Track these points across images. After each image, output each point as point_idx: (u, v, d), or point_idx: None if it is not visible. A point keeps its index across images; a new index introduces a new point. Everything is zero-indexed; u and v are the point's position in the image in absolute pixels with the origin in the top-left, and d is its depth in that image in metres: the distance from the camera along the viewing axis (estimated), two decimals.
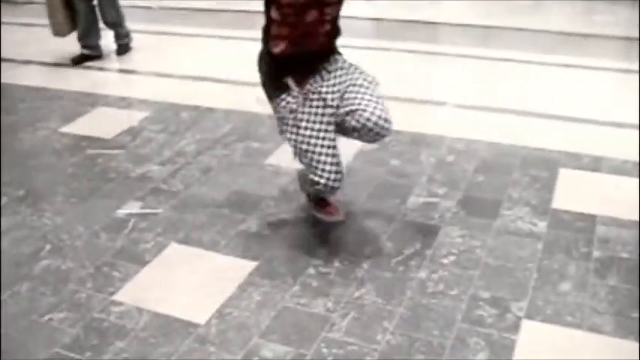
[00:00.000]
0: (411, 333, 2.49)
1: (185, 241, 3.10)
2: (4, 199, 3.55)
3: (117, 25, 5.62)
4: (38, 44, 6.11)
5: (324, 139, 2.81)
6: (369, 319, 2.56)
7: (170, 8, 7.18)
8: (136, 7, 6.95)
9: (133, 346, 2.51)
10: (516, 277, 2.75)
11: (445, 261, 2.86)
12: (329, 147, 2.81)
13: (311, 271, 2.84)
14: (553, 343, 2.43)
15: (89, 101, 4.79)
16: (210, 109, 4.48)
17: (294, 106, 2.84)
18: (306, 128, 2.82)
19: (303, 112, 2.83)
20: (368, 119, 2.80)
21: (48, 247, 3.13)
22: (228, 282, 2.79)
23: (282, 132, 2.93)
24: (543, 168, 3.53)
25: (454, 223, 3.11)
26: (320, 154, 2.80)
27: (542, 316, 2.53)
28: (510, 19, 6.12)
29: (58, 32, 5.49)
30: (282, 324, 2.56)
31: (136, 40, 5.86)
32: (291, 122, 2.85)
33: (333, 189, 2.85)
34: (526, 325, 2.50)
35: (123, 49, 5.76)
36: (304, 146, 2.82)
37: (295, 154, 2.88)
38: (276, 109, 2.92)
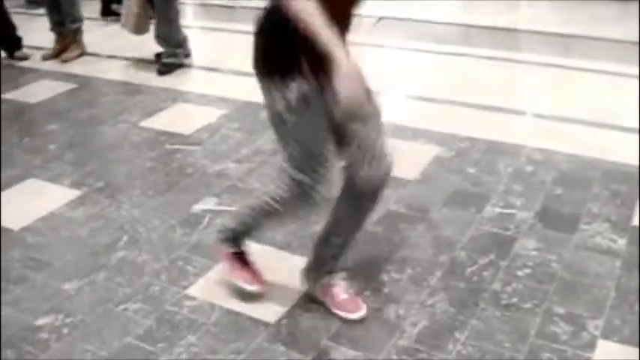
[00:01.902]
0: (482, 344, 2.45)
1: (258, 239, 3.10)
2: (82, 190, 3.64)
3: (166, 40, 5.42)
4: (121, 39, 6.23)
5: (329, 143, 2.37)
6: (440, 328, 2.53)
7: (251, 8, 7.24)
8: (217, 5, 7.05)
9: (204, 340, 2.54)
10: (593, 294, 2.68)
11: (520, 273, 2.81)
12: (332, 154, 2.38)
13: (383, 276, 2.82)
14: None
15: (169, 97, 4.87)
16: None
17: (307, 95, 2.27)
18: (316, 127, 2.33)
19: (315, 106, 2.30)
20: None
21: (125, 238, 3.19)
22: (300, 282, 2.79)
23: (279, 123, 2.39)
24: (624, 183, 3.43)
25: (530, 235, 3.05)
26: (326, 160, 2.36)
27: (618, 336, 2.47)
28: (592, 27, 5.98)
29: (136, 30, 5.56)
30: (352, 328, 2.55)
31: (215, 38, 5.92)
32: (294, 117, 2.31)
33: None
34: (602, 344, 2.44)
35: (165, 68, 5.40)
36: (312, 148, 2.34)
37: (292, 158, 2.39)
38: (278, 95, 2.35)
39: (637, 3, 6.14)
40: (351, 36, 2.29)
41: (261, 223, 2.65)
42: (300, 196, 2.39)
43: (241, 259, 2.75)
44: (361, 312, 2.61)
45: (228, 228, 2.70)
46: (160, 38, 5.40)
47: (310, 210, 2.50)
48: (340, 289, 2.65)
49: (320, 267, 2.67)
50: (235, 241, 2.71)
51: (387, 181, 2.45)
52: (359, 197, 2.46)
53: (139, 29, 5.52)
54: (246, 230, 2.66)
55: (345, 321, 2.58)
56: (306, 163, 2.35)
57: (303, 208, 2.47)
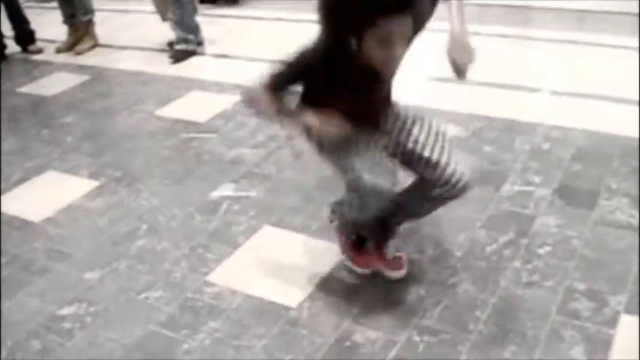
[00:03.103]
0: (504, 323, 2.45)
1: (278, 224, 3.12)
2: (101, 181, 3.66)
3: (178, 23, 5.40)
4: (134, 30, 6.26)
5: None
6: (461, 308, 2.53)
7: None
8: None
9: (226, 326, 2.55)
10: (614, 269, 2.67)
11: (540, 251, 2.80)
12: None
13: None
14: None
15: (184, 85, 4.87)
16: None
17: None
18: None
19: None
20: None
21: (144, 227, 3.21)
22: (321, 266, 2.80)
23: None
24: None
25: (550, 212, 3.04)
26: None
27: None
28: (607, 1, 5.92)
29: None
30: (373, 309, 2.56)
31: (230, 25, 5.92)
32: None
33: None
34: (625, 319, 2.42)
35: (178, 55, 5.44)
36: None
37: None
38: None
39: None
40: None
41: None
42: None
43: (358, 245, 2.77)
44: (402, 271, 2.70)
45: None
46: (172, 21, 5.39)
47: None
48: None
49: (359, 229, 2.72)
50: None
51: (464, 194, 2.49)
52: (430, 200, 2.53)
53: (163, 15, 5.52)
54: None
55: (366, 303, 2.59)
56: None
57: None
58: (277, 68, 2.34)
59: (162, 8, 5.46)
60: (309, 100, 2.36)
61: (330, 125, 2.23)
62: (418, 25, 2.29)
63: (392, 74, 2.41)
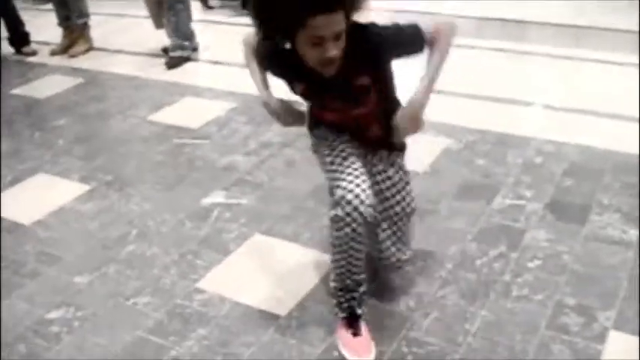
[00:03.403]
0: (493, 336, 2.44)
1: (268, 232, 3.12)
2: (92, 184, 3.65)
3: (174, 31, 5.40)
4: (129, 34, 6.25)
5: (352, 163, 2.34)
6: (450, 320, 2.53)
7: None
8: None
9: (215, 333, 2.54)
10: (605, 285, 2.67)
11: (530, 265, 2.80)
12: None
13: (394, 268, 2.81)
14: None
15: (177, 91, 4.87)
16: (294, 103, 4.47)
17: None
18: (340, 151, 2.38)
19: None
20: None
21: (134, 232, 3.20)
22: (311, 275, 2.80)
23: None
24: (635, 174, 3.41)
25: (541, 226, 3.04)
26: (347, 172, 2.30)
27: (630, 328, 2.45)
28: (604, 18, 5.94)
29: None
30: (362, 321, 2.55)
31: (222, 32, 5.92)
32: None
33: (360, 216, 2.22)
34: (613, 335, 2.42)
35: (173, 61, 5.40)
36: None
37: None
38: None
39: None
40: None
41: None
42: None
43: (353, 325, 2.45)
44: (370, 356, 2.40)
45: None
46: (168, 29, 5.39)
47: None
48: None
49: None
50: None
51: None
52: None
53: (157, 22, 5.52)
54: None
55: None
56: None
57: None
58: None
59: (155, 15, 5.46)
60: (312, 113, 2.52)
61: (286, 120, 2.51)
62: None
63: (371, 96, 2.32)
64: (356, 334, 2.41)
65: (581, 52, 5.10)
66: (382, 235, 2.54)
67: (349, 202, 2.19)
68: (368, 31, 2.18)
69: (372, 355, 2.39)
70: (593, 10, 6.06)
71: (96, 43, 5.97)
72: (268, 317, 2.59)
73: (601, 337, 2.42)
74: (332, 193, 2.31)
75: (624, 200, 3.20)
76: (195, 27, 5.58)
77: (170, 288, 2.80)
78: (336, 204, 2.22)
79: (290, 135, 4.02)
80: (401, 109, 2.30)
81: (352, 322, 2.43)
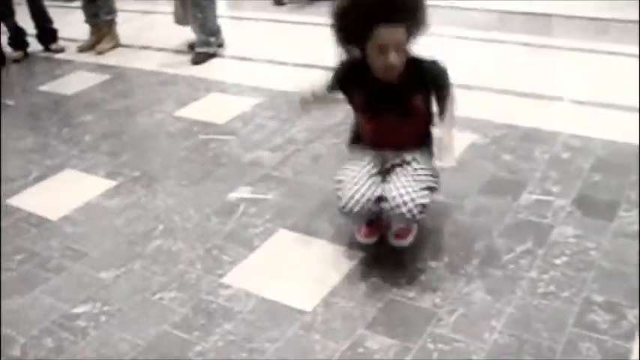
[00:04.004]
0: (519, 333, 2.42)
1: (294, 227, 3.11)
2: (119, 180, 3.67)
3: (200, 27, 5.43)
4: (155, 31, 6.28)
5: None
6: (476, 317, 2.51)
7: None
8: None
9: (240, 329, 2.54)
10: (633, 282, 2.63)
11: (557, 261, 2.77)
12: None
13: (419, 264, 2.80)
14: None
15: (203, 86, 4.88)
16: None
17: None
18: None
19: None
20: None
21: (160, 227, 3.21)
22: (336, 271, 2.79)
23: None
24: None
25: (568, 222, 3.01)
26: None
27: None
28: (629, 11, 5.87)
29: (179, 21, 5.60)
30: (388, 316, 2.54)
31: (248, 28, 5.93)
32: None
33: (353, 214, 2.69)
34: None
35: (199, 57, 5.44)
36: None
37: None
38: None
39: None
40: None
41: None
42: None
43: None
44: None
45: None
46: (194, 25, 5.41)
47: None
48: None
49: None
50: None
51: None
52: None
53: (179, 19, 5.56)
54: None
55: (381, 309, 2.57)
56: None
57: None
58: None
59: (178, 10, 5.49)
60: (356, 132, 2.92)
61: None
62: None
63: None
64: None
65: (608, 46, 5.04)
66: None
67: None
68: (431, 62, 2.66)
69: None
70: (618, 3, 5.99)
71: (123, 40, 6.01)
72: (293, 313, 2.59)
73: (630, 335, 2.39)
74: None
75: None
76: (221, 23, 5.59)
77: (195, 283, 2.81)
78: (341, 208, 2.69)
79: (315, 130, 4.03)
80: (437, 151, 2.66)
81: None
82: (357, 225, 2.93)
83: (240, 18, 6.49)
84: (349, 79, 2.74)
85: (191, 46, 5.59)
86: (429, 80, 2.67)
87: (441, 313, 2.53)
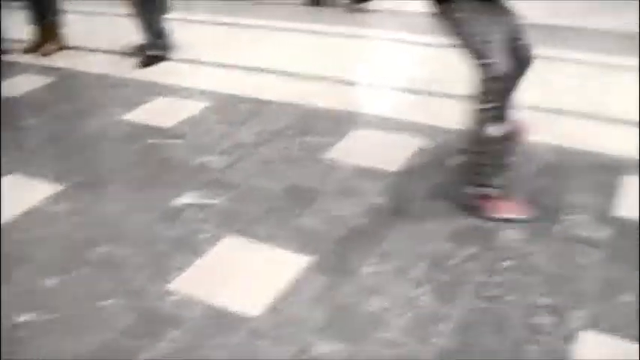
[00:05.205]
0: (466, 337, 2.44)
1: (241, 232, 3.10)
2: (63, 185, 3.60)
3: (146, 30, 5.39)
4: (102, 33, 6.20)
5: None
6: (424, 321, 2.53)
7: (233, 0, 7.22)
8: None
9: (186, 336, 2.51)
10: (576, 285, 2.68)
11: (503, 265, 2.81)
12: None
13: (367, 269, 2.81)
14: (612, 355, 2.36)
15: (152, 90, 4.83)
16: (269, 102, 4.48)
17: None
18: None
19: None
20: None
21: (106, 233, 3.17)
22: (284, 276, 2.78)
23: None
24: (607, 174, 3.43)
25: (513, 226, 3.05)
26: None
27: (602, 327, 2.46)
28: (579, 18, 5.98)
29: None
30: (335, 321, 2.54)
31: (199, 32, 5.90)
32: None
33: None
34: (585, 335, 2.43)
35: (147, 60, 5.39)
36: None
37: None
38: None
39: None
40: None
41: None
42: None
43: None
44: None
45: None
46: (143, 28, 5.35)
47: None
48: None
49: None
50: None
51: None
52: None
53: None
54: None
55: (329, 314, 2.57)
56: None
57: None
58: None
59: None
60: None
61: None
62: None
63: None
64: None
65: (555, 52, 5.12)
66: None
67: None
68: None
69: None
70: (568, 10, 6.10)
71: (69, 42, 5.92)
72: (240, 319, 2.58)
73: (573, 337, 2.43)
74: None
75: (595, 200, 3.21)
76: (172, 26, 5.55)
77: (141, 290, 2.77)
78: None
79: (264, 134, 4.02)
80: None
81: None
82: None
83: (191, 21, 6.44)
84: None
85: (140, 49, 5.53)
86: None
87: (388, 318, 2.54)
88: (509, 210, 3.09)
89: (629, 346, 2.38)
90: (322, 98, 4.46)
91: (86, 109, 4.62)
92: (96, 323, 2.60)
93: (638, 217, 3.06)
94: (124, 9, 5.44)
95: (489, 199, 3.09)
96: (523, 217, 3.07)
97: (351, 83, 4.59)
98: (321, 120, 4.16)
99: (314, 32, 5.95)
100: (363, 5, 6.75)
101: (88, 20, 6.57)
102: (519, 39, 3.11)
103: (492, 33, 2.88)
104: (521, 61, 3.09)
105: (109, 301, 2.72)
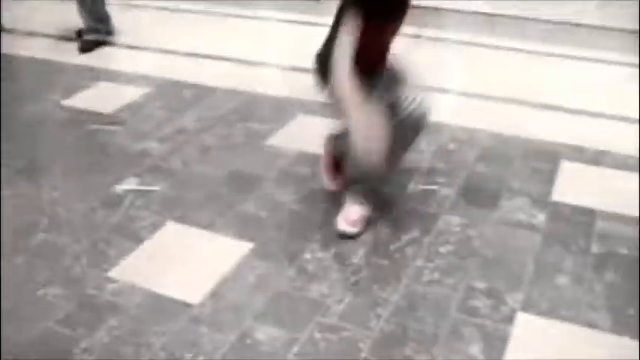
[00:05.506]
0: (405, 321, 2.48)
1: (182, 219, 3.08)
2: (2, 171, 3.53)
3: (87, 13, 5.30)
4: (43, 16, 6.07)
5: None
6: (363, 306, 2.55)
7: None
8: None
9: (126, 323, 2.50)
10: (513, 268, 2.74)
11: (442, 250, 2.85)
12: None
13: (307, 255, 2.82)
14: (548, 336, 2.42)
15: (91, 75, 4.76)
16: (212, 88, 4.45)
17: None
18: None
19: None
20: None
21: (45, 220, 3.12)
22: (224, 263, 2.78)
23: None
24: (545, 160, 3.50)
25: (453, 212, 3.09)
26: None
27: (537, 309, 2.52)
28: (518, 7, 6.05)
29: None
30: (276, 307, 2.55)
31: (141, 16, 5.82)
32: None
33: None
34: (521, 317, 2.49)
35: (87, 45, 5.30)
36: None
37: None
38: None
39: None
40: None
41: None
42: None
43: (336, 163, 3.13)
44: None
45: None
46: (82, 11, 5.26)
47: None
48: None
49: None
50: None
51: None
52: None
53: None
54: None
55: (269, 300, 2.58)
56: None
57: None
58: None
59: None
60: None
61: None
62: None
63: None
64: None
65: (494, 40, 5.19)
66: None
67: None
68: None
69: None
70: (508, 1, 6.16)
71: (6, 25, 5.78)
72: (181, 306, 2.57)
73: (509, 319, 2.48)
74: None
75: (533, 186, 3.28)
76: (113, 10, 5.46)
77: (81, 278, 2.74)
78: None
79: (206, 120, 4.00)
80: None
81: None
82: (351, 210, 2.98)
83: (131, 5, 6.35)
84: None
85: (79, 33, 5.43)
86: None
87: (328, 303, 2.56)
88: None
89: (564, 327, 2.44)
90: (265, 84, 4.44)
91: (24, 94, 4.52)
92: (35, 311, 2.57)
93: (574, 202, 3.14)
94: None
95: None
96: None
97: (295, 69, 4.58)
98: (264, 106, 4.15)
99: (257, 18, 5.92)
100: None
101: (25, 3, 6.42)
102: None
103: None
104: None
105: (49, 289, 2.69)
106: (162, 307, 2.57)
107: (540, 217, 3.05)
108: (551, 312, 2.51)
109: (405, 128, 2.86)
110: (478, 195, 3.22)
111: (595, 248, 2.85)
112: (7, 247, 2.94)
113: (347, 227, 2.94)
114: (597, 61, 4.85)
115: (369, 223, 3.00)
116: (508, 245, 2.88)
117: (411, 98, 2.84)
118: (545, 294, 2.60)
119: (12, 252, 2.91)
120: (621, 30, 5.45)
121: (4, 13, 5.75)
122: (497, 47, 5.07)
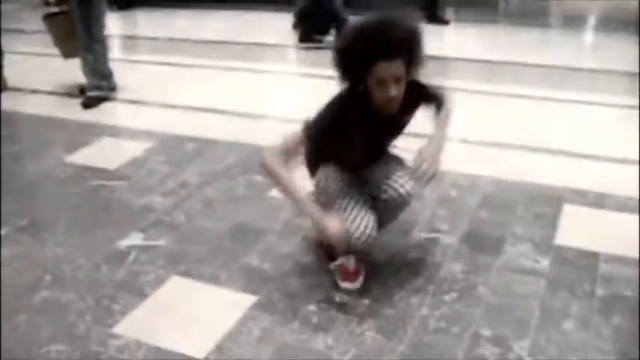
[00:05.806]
0: None
1: (186, 274, 3.08)
2: (5, 229, 3.55)
3: (91, 71, 5.39)
4: (46, 73, 6.15)
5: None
6: (369, 357, 2.53)
7: (176, 39, 7.24)
8: (143, 38, 7.02)
9: None
10: (519, 315, 2.72)
11: (447, 298, 2.84)
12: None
13: (312, 306, 2.81)
14: None
15: (94, 131, 4.80)
16: (213, 141, 4.49)
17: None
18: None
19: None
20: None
21: (48, 277, 3.12)
22: (228, 316, 2.77)
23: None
24: (547, 204, 3.51)
25: (456, 259, 3.09)
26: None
27: (545, 356, 2.50)
28: (516, 54, 6.14)
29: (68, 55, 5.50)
30: None
31: (142, 71, 5.89)
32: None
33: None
34: None
35: (90, 101, 5.37)
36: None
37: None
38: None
39: (556, 30, 6.33)
40: None
41: None
42: None
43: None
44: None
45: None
46: (85, 68, 5.33)
47: None
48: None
49: None
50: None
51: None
52: None
53: (67, 53, 5.46)
54: None
55: (274, 353, 2.56)
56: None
57: None
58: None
59: (63, 45, 5.40)
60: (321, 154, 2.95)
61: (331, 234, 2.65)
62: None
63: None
64: None
65: (494, 87, 5.25)
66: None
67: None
68: (430, 87, 2.92)
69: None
70: (505, 46, 6.25)
71: (10, 83, 5.85)
72: None
73: None
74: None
75: (536, 230, 3.28)
76: (114, 66, 5.53)
77: (85, 334, 2.73)
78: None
79: (208, 174, 4.02)
80: (425, 148, 2.84)
81: None
82: (347, 265, 2.96)
83: (133, 61, 6.44)
84: (346, 120, 2.72)
85: (82, 90, 5.50)
86: (426, 99, 2.94)
87: (333, 355, 2.55)
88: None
89: None
90: (266, 136, 4.46)
91: (28, 151, 4.56)
92: None
93: (577, 245, 3.14)
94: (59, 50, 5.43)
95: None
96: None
97: (295, 121, 4.61)
98: None
99: (257, 71, 5.99)
100: (310, 44, 6.83)
101: (29, 60, 6.52)
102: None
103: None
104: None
105: (52, 346, 2.67)
106: None
107: (544, 262, 3.04)
108: (558, 358, 2.49)
109: (388, 209, 2.92)
110: (481, 241, 3.22)
111: (600, 291, 2.84)
112: (11, 305, 2.94)
113: (348, 284, 2.93)
114: (595, 104, 4.90)
115: (372, 273, 3.00)
116: (513, 291, 2.87)
117: (401, 182, 2.87)
118: (552, 340, 2.58)
119: (16, 310, 2.90)
120: (617, 72, 5.50)
121: (7, 72, 5.82)
122: (495, 94, 5.12)
